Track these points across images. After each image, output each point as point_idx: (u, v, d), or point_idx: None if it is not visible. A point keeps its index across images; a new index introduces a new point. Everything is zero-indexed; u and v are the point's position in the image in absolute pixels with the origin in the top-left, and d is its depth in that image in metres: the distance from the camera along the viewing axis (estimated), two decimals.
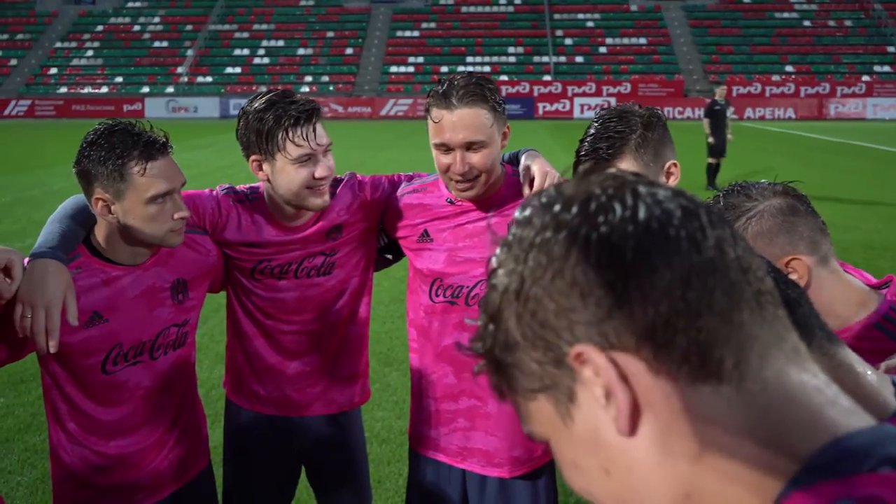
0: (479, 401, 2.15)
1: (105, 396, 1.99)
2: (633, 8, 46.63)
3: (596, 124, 1.85)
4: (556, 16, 45.98)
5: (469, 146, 1.98)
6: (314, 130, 2.05)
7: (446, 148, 2.01)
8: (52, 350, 1.77)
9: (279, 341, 2.28)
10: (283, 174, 2.06)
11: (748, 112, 37.69)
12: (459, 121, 1.97)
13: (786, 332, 0.62)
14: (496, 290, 0.64)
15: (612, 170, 0.65)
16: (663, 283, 0.58)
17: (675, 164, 1.86)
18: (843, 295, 1.44)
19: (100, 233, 1.96)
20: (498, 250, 0.65)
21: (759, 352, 0.59)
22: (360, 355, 2.39)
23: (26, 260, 1.81)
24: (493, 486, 2.18)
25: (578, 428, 0.62)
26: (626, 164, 1.78)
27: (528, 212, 0.64)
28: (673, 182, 1.84)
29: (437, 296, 2.15)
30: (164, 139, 1.92)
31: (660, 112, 1.88)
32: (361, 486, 2.48)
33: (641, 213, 0.59)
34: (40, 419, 4.43)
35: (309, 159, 2.05)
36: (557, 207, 0.62)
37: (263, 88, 2.12)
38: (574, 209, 0.61)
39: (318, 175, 2.06)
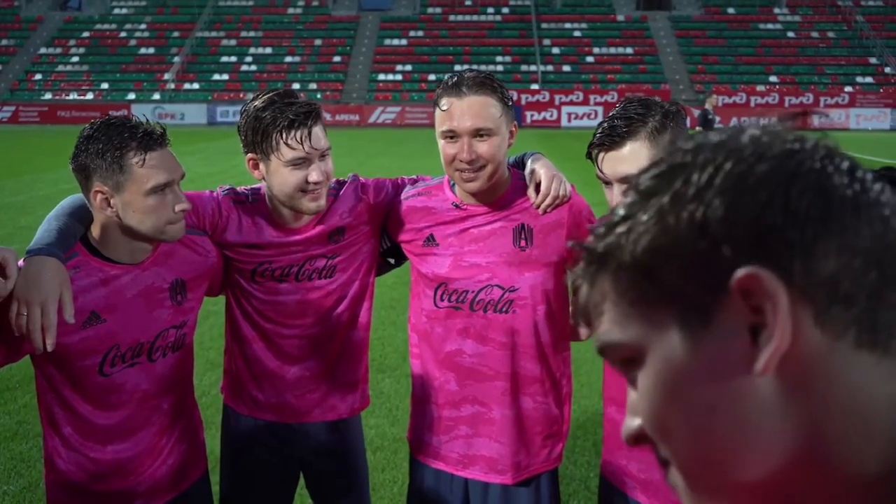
0: (482, 407, 2.12)
1: (102, 399, 1.95)
2: (620, 18, 46.89)
3: (617, 108, 1.86)
4: (544, 25, 46.16)
5: (476, 133, 1.96)
6: (309, 134, 2.02)
7: (453, 135, 1.98)
8: (49, 348, 1.72)
9: (279, 346, 2.24)
10: (277, 175, 2.04)
11: (733, 121, 37.82)
12: (469, 107, 1.95)
13: None
14: (661, 179, 0.57)
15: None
16: (864, 242, 0.53)
17: None
18: None
19: (97, 230, 1.92)
20: (671, 154, 0.60)
21: None
22: (361, 361, 2.36)
23: (21, 261, 1.77)
24: (496, 492, 2.15)
25: (699, 355, 0.54)
26: (639, 146, 1.80)
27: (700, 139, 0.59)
28: None
29: (441, 300, 2.12)
30: (162, 130, 1.90)
31: (681, 107, 1.90)
32: (361, 494, 2.44)
33: (859, 173, 0.56)
34: (26, 427, 4.36)
35: (303, 162, 2.02)
36: (765, 139, 0.57)
37: (251, 96, 2.10)
38: (795, 145, 0.57)
39: (311, 179, 2.02)
